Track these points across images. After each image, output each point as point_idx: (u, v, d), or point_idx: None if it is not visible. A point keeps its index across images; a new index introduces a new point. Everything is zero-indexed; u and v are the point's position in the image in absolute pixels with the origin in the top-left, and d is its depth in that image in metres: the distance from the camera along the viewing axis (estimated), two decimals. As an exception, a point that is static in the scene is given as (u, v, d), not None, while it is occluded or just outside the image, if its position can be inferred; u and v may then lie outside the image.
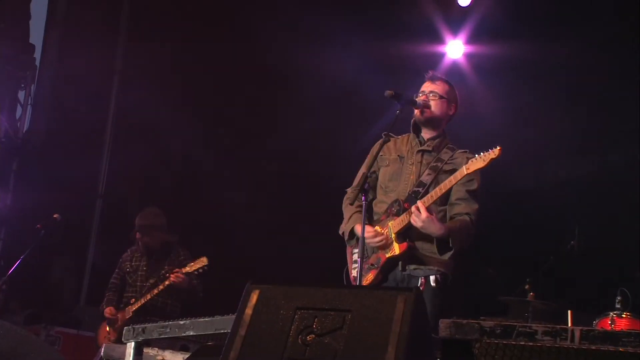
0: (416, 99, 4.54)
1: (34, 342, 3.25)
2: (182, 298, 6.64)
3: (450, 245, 4.20)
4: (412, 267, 4.32)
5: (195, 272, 6.43)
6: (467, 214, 4.34)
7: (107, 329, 6.74)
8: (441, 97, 4.55)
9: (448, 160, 4.44)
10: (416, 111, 4.55)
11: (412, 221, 4.20)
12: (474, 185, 4.40)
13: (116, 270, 7.00)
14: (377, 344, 2.39)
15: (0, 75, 9.52)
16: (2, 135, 9.46)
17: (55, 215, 6.93)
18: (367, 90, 8.08)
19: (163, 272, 6.59)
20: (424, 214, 4.14)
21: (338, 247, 8.34)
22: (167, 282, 6.43)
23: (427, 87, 4.61)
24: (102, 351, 4.36)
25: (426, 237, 4.29)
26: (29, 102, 9.84)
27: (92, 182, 9.73)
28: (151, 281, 6.62)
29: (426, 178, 4.40)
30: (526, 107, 8.15)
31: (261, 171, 9.33)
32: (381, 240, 4.35)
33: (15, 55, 9.62)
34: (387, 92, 4.31)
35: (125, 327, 3.89)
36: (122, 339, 3.85)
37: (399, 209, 4.36)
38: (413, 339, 2.40)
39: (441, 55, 8.69)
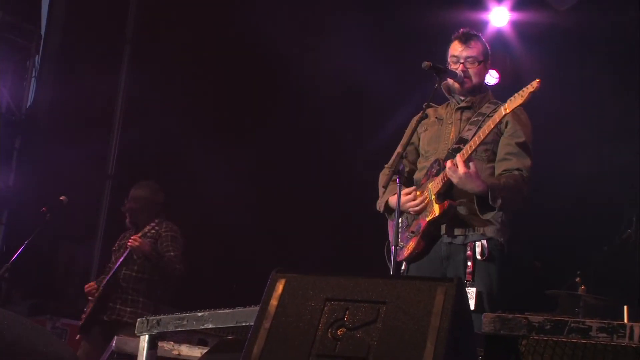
0: (452, 69, 4.46)
1: (41, 333, 3.29)
2: (157, 270, 6.55)
3: (490, 202, 4.06)
4: (456, 232, 4.24)
5: (148, 234, 6.44)
6: (517, 169, 4.22)
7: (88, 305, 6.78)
8: (480, 61, 4.48)
9: (490, 113, 4.30)
10: (453, 82, 4.49)
11: (449, 177, 4.11)
12: (522, 137, 4.28)
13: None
14: (414, 339, 2.38)
15: (1, 46, 9.58)
16: (4, 109, 9.53)
17: (61, 198, 6.99)
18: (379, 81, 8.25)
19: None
20: (461, 169, 4.03)
21: (338, 246, 8.65)
22: (127, 250, 6.43)
23: (460, 51, 4.47)
24: (114, 344, 4.40)
25: (469, 197, 4.20)
26: (33, 75, 9.90)
27: (102, 162, 9.80)
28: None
29: (467, 133, 4.30)
30: (578, 81, 8.06)
31: (266, 163, 9.48)
32: (418, 205, 4.29)
33: (18, 22, 9.67)
34: (425, 64, 4.24)
35: (138, 319, 3.91)
36: (135, 332, 3.87)
37: (438, 168, 4.29)
38: (454, 334, 2.39)
39: (484, 24, 8.63)
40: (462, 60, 4.46)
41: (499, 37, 8.54)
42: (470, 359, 2.60)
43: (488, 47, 4.59)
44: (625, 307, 5.70)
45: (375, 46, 8.96)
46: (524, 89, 3.94)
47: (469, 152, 4.10)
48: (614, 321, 2.49)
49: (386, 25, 9.06)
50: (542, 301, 6.61)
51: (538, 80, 3.91)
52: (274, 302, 2.63)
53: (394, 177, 4.14)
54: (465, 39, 4.50)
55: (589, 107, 8.01)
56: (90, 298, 6.70)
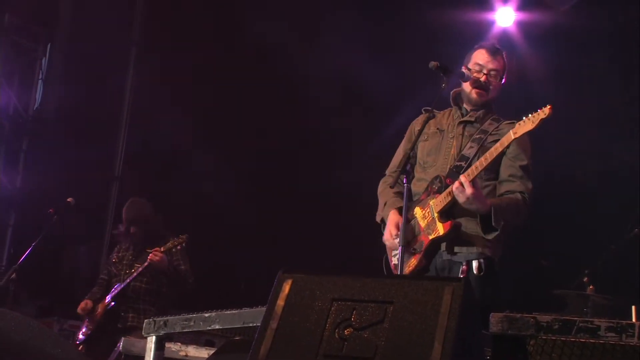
0: (469, 73, 4.42)
1: (48, 334, 3.29)
2: (170, 283, 6.65)
3: (493, 224, 4.09)
4: (456, 249, 4.25)
5: (173, 249, 6.45)
6: (520, 192, 4.25)
7: (87, 322, 6.76)
8: (501, 77, 4.44)
9: (493, 131, 4.32)
10: (473, 90, 4.42)
11: (455, 197, 4.11)
12: (525, 160, 4.29)
13: (105, 265, 7.05)
14: (421, 339, 2.37)
15: (8, 48, 9.59)
16: (11, 111, 9.54)
17: (68, 199, 6.99)
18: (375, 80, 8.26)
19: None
20: (468, 189, 4.03)
21: (342, 246, 8.67)
22: (145, 263, 6.45)
23: (487, 62, 4.42)
24: (121, 346, 4.39)
25: (471, 215, 4.21)
26: (40, 77, 9.91)
27: (108, 163, 9.80)
28: (136, 265, 6.64)
29: (469, 151, 4.30)
30: (583, 81, 8.04)
31: (265, 165, 9.51)
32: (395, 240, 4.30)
33: (25, 25, 9.68)
34: (432, 63, 4.21)
35: (145, 320, 3.90)
36: (143, 333, 3.86)
37: (440, 186, 4.29)
38: (461, 334, 2.38)
39: (490, 24, 8.61)
40: (485, 71, 4.41)
41: (504, 37, 8.51)
42: (478, 358, 2.59)
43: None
44: (633, 307, 5.68)
45: (378, 46, 8.95)
46: (535, 114, 3.91)
47: (475, 174, 4.09)
48: (622, 321, 2.47)
49: (390, 25, 9.05)
50: (550, 301, 6.59)
51: (550, 106, 3.87)
52: (280, 302, 2.62)
53: (401, 177, 4.13)
54: (495, 51, 4.45)
55: (595, 105, 7.99)
56: (82, 315, 6.72)
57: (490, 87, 4.41)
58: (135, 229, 6.80)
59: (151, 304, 6.61)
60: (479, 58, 4.44)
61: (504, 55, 4.50)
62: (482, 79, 4.39)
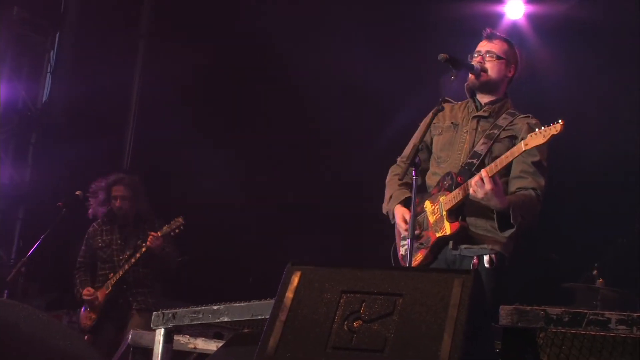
0: (472, 62, 4.46)
1: (57, 326, 3.30)
2: (159, 265, 6.76)
3: (511, 221, 4.08)
4: (464, 246, 4.26)
5: (172, 233, 6.54)
6: (533, 189, 4.24)
7: (88, 309, 6.80)
8: (499, 57, 4.46)
9: (507, 126, 4.33)
10: (471, 75, 4.48)
11: (471, 192, 4.10)
12: (537, 156, 4.27)
13: (83, 248, 7.03)
14: (431, 331, 2.37)
15: (16, 41, 9.61)
16: (20, 105, 9.56)
17: (77, 192, 7.02)
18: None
19: (139, 242, 6.67)
20: (488, 184, 4.02)
21: (349, 242, 8.67)
22: (143, 249, 6.52)
23: (483, 46, 4.51)
24: (130, 338, 4.40)
25: (480, 214, 4.22)
26: (49, 70, 9.92)
27: (117, 156, 9.81)
28: (127, 253, 6.71)
29: (481, 148, 4.31)
30: (593, 74, 8.01)
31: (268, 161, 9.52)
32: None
33: (33, 18, 9.69)
34: (441, 56, 4.23)
35: (154, 313, 3.90)
36: (151, 325, 3.87)
37: (451, 183, 4.30)
38: (471, 327, 2.37)
39: (499, 16, 8.58)
40: (482, 54, 4.48)
41: (514, 30, 8.48)
42: (488, 350, 2.58)
43: (517, 53, 4.59)
44: (643, 299, 5.68)
45: (384, 41, 8.93)
46: (547, 128, 3.92)
47: (494, 171, 4.08)
48: (633, 313, 2.46)
49: (397, 18, 9.02)
50: (559, 294, 6.58)
51: (562, 122, 3.88)
52: (289, 294, 2.62)
53: (409, 170, 4.13)
54: (491, 37, 4.55)
55: (605, 97, 7.96)
56: (88, 302, 6.76)
57: (488, 67, 4.45)
58: (127, 206, 6.82)
59: (148, 287, 6.72)
60: (478, 46, 4.54)
61: (507, 41, 4.55)
62: (478, 59, 4.45)
